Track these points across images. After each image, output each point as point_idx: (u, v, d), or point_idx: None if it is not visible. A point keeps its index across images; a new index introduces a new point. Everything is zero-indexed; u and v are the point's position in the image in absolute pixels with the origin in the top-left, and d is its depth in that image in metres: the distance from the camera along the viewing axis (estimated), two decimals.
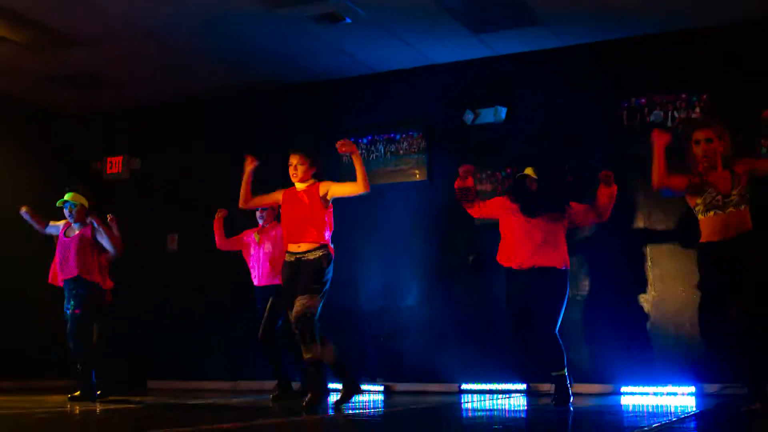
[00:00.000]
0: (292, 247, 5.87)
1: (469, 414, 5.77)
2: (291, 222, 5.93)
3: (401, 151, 8.62)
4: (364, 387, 7.81)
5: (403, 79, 8.79)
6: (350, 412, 5.73)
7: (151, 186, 9.63)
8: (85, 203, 7.14)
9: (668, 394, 7.01)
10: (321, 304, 5.75)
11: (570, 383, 5.99)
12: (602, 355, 7.51)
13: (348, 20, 7.55)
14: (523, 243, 6.05)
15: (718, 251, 5.08)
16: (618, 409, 5.98)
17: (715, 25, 7.43)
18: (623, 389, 7.28)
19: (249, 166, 6.10)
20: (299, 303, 5.66)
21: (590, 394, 7.22)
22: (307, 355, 5.68)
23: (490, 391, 7.72)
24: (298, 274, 5.75)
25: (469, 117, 8.28)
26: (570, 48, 8.01)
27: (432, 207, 8.36)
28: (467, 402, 6.78)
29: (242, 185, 6.12)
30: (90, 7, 7.38)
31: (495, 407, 6.21)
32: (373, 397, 7.58)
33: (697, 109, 7.41)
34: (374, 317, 8.45)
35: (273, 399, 7.02)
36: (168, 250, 9.51)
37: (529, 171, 6.08)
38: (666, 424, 4.48)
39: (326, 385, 6.06)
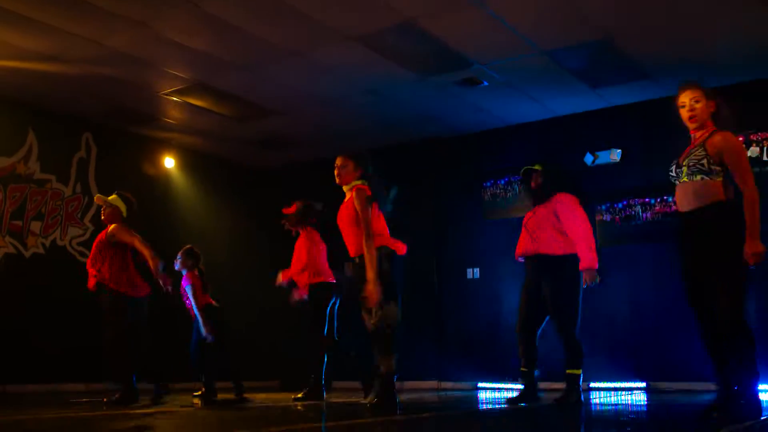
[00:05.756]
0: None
1: (597, 409, 5.47)
2: (341, 227, 5.30)
3: None
4: (502, 385, 8.28)
5: (532, 129, 9.20)
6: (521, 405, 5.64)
7: (329, 227, 10.29)
8: (122, 208, 6.12)
9: None
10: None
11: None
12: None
13: (485, 83, 8.02)
14: (523, 234, 5.61)
15: (684, 222, 4.18)
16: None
17: None
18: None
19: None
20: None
21: (708, 391, 7.31)
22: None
23: (615, 389, 7.95)
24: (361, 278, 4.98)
25: (589, 159, 8.62)
26: (673, 97, 8.21)
27: None
28: (595, 398, 6.87)
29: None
30: (278, 84, 7.99)
31: (618, 402, 6.27)
32: (506, 394, 7.71)
33: None
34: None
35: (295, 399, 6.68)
36: (345, 276, 10.07)
37: (537, 167, 5.66)
38: None
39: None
